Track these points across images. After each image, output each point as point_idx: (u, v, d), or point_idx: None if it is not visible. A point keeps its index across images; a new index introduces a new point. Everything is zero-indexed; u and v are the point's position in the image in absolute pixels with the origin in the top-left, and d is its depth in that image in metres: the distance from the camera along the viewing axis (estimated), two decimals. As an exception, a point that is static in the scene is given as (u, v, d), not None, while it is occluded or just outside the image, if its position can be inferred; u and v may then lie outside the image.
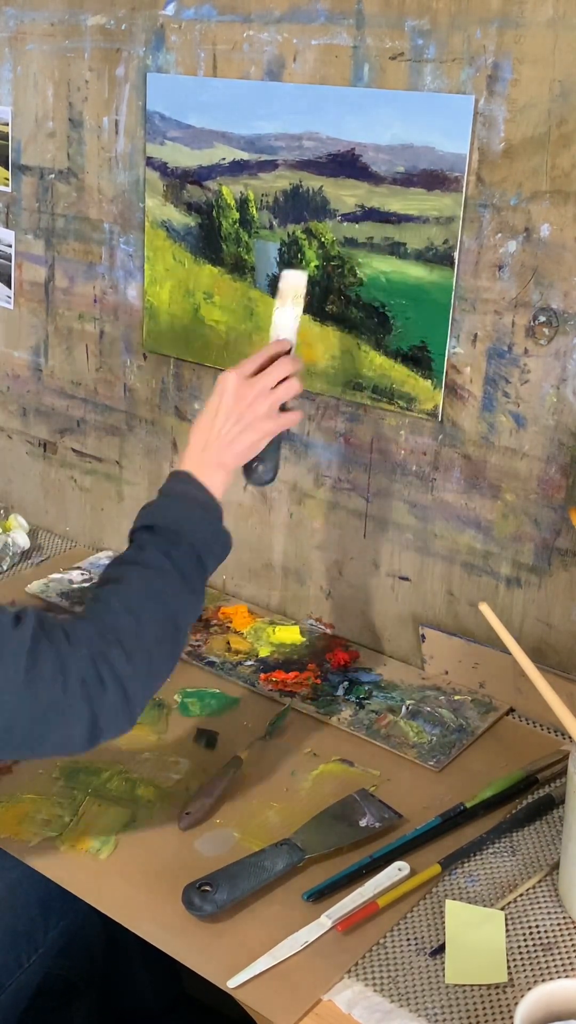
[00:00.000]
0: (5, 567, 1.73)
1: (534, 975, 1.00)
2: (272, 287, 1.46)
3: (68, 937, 1.27)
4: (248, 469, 1.25)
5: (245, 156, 1.44)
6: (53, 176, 1.68)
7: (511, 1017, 0.94)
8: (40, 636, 1.01)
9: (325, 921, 1.05)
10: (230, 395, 1.21)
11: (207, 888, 1.06)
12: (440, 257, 1.31)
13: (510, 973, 1.00)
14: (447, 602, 1.45)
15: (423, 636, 1.47)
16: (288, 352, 1.25)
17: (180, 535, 1.13)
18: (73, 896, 1.11)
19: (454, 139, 1.26)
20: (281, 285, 1.27)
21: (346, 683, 1.45)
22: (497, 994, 0.99)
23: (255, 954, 1.02)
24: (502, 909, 1.08)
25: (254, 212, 1.45)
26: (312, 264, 1.40)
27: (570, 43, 1.16)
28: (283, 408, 1.23)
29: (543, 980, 0.99)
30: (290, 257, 1.43)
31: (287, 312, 1.26)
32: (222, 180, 1.47)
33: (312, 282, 1.41)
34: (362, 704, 1.41)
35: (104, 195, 1.62)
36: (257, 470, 1.25)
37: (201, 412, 1.22)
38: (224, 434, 1.20)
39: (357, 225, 1.36)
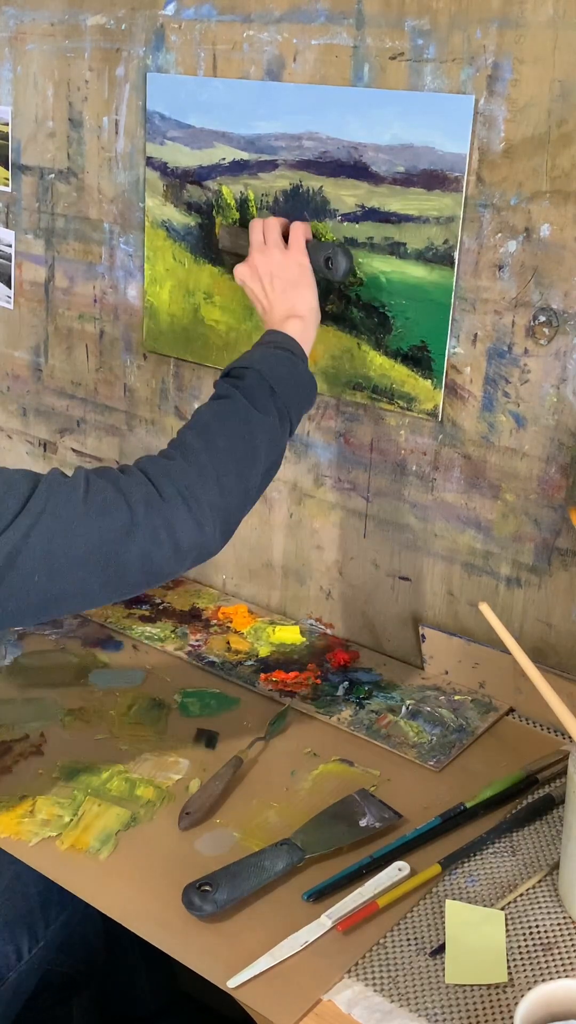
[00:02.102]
0: None
1: (534, 975, 1.00)
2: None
3: (68, 931, 1.27)
4: (327, 272, 1.34)
5: (245, 156, 1.44)
6: (53, 176, 1.68)
7: (511, 1017, 0.94)
8: (92, 476, 1.06)
9: (325, 921, 1.05)
10: (248, 276, 1.33)
11: (207, 888, 1.06)
12: (440, 257, 1.31)
13: (510, 973, 1.00)
14: (447, 602, 1.45)
15: (423, 636, 1.47)
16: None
17: (247, 369, 1.20)
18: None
19: (454, 139, 1.26)
20: (226, 245, 1.46)
21: (346, 683, 1.45)
22: (497, 994, 0.99)
23: (255, 954, 1.02)
24: (502, 909, 1.08)
25: (254, 212, 1.45)
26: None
27: (570, 43, 1.16)
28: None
29: (543, 980, 0.99)
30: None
31: (235, 237, 1.44)
32: (222, 180, 1.47)
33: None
34: (362, 704, 1.41)
35: (104, 195, 1.62)
36: (330, 266, 1.34)
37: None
38: (273, 294, 1.31)
39: (357, 225, 1.36)
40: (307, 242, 1.35)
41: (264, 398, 1.18)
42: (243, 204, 1.46)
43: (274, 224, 1.35)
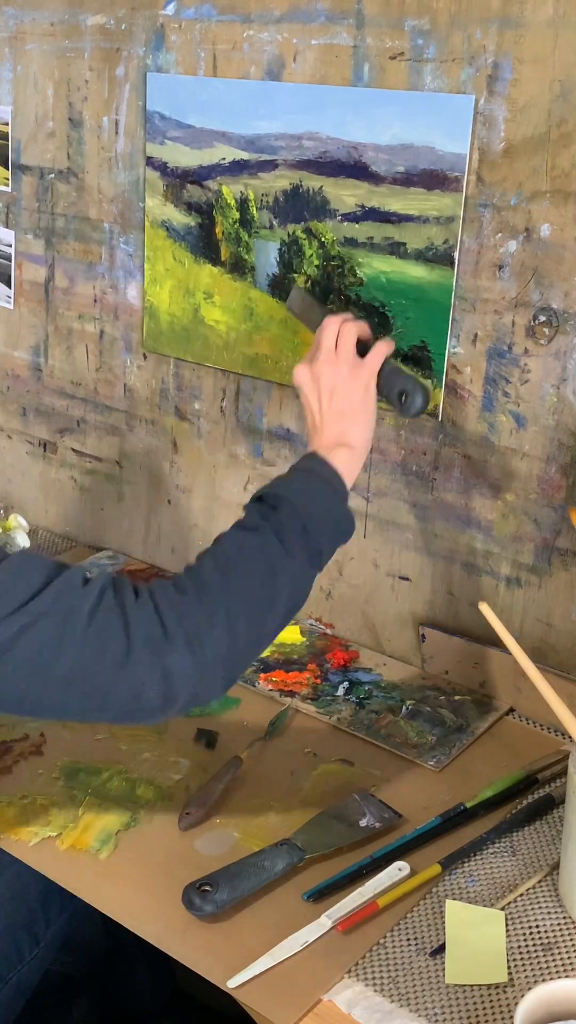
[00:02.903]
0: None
1: (534, 975, 1.00)
2: (272, 287, 1.46)
3: (69, 932, 1.27)
4: (400, 407, 1.22)
5: (245, 156, 1.44)
6: (53, 176, 1.68)
7: (511, 1017, 0.94)
8: (107, 592, 0.98)
9: (325, 921, 1.05)
10: (307, 383, 1.20)
11: (207, 888, 1.06)
12: (440, 257, 1.31)
13: (510, 973, 1.00)
14: (447, 602, 1.45)
15: (423, 636, 1.47)
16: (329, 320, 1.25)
17: (282, 500, 1.09)
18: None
19: (454, 139, 1.26)
20: (293, 311, 1.39)
21: (346, 683, 1.45)
22: (497, 994, 0.99)
23: (255, 954, 1.02)
24: (502, 909, 1.08)
25: (254, 212, 1.45)
26: (303, 274, 1.40)
27: (570, 43, 1.16)
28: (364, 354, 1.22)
29: (543, 980, 0.99)
30: (290, 257, 1.43)
31: (306, 309, 1.36)
32: (222, 180, 1.47)
33: (312, 282, 1.42)
34: (362, 704, 1.41)
35: (104, 195, 1.62)
36: (404, 400, 1.21)
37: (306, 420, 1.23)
38: (328, 413, 1.18)
39: (357, 225, 1.36)
40: (384, 364, 1.23)
41: (295, 537, 1.06)
42: (243, 204, 1.46)
43: (352, 331, 1.22)
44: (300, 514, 1.08)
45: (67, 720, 1.05)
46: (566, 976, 1.00)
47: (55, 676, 0.95)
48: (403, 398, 1.22)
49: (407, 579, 1.48)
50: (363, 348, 1.23)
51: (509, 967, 1.01)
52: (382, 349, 1.22)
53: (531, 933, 1.05)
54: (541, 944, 1.04)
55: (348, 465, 1.15)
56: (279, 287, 1.46)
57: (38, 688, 0.96)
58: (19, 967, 1.20)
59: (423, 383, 1.25)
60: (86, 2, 1.55)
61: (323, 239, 1.40)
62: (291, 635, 1.56)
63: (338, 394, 1.19)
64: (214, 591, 1.02)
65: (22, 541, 1.77)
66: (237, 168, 1.45)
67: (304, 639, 1.56)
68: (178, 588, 1.02)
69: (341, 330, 1.22)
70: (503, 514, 1.36)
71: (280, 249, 1.44)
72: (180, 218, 1.54)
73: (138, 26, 1.50)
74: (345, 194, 1.36)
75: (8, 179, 1.74)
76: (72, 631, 0.95)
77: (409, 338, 1.36)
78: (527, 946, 1.04)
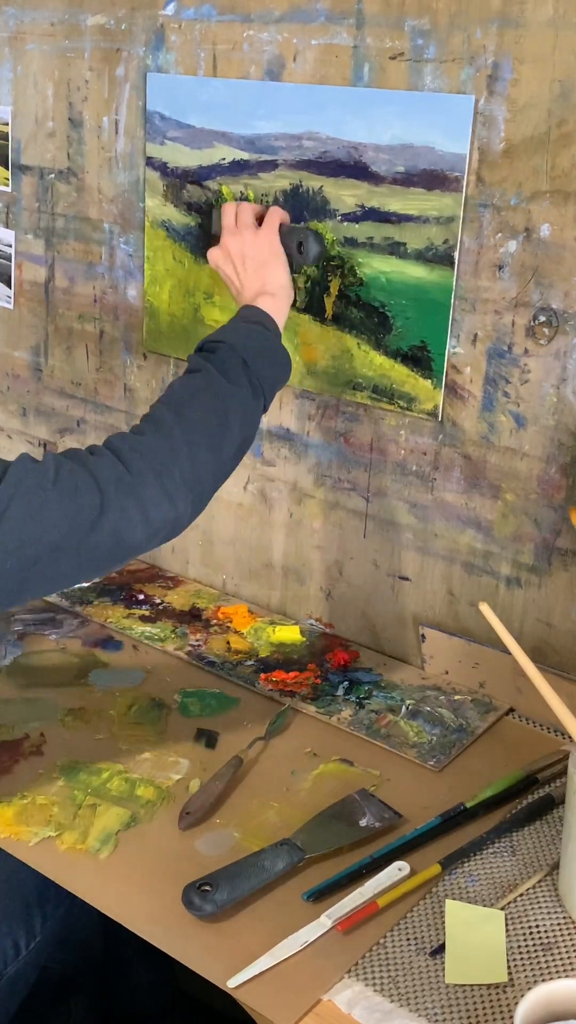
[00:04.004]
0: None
1: (534, 975, 1.00)
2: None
3: (66, 927, 1.27)
4: (299, 257, 1.36)
5: (245, 156, 1.44)
6: (53, 176, 1.68)
7: (511, 1017, 0.94)
8: (61, 459, 1.05)
9: (325, 921, 1.05)
10: (220, 259, 1.35)
11: (207, 888, 1.06)
12: (440, 257, 1.31)
13: (510, 973, 1.00)
14: (447, 602, 1.45)
15: (423, 636, 1.47)
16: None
17: (220, 343, 1.20)
18: None
19: (454, 139, 1.26)
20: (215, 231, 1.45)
21: (346, 683, 1.45)
22: (497, 994, 0.99)
23: (255, 954, 1.02)
24: (502, 909, 1.08)
25: (254, 212, 1.45)
26: (304, 274, 1.40)
27: (570, 43, 1.16)
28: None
29: (543, 980, 0.99)
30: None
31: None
32: (222, 180, 1.47)
33: (312, 282, 1.42)
34: (362, 704, 1.41)
35: (104, 195, 1.62)
36: (301, 250, 1.36)
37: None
38: (244, 275, 1.32)
39: (357, 225, 1.36)
40: (280, 226, 1.37)
41: (237, 371, 1.18)
42: (243, 204, 1.46)
43: (247, 207, 1.37)
44: (238, 350, 1.19)
45: (66, 587, 1.12)
46: (566, 976, 1.00)
47: (44, 547, 1.00)
48: (300, 248, 1.36)
49: (407, 579, 1.48)
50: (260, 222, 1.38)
51: (509, 967, 1.01)
52: (275, 212, 1.37)
53: (531, 933, 1.05)
54: (541, 944, 1.04)
55: (274, 308, 1.29)
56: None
57: (33, 566, 1.00)
58: (15, 961, 1.20)
59: (317, 232, 1.38)
60: (86, 2, 1.55)
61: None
62: (291, 635, 1.56)
63: (248, 256, 1.33)
64: (171, 426, 1.11)
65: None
66: (237, 168, 1.45)
67: (304, 639, 1.56)
68: (135, 431, 1.12)
69: (238, 209, 1.36)
70: (503, 514, 1.36)
71: (280, 249, 1.44)
72: (180, 218, 1.54)
73: (138, 26, 1.50)
74: (345, 194, 1.36)
75: (8, 179, 1.74)
76: (43, 500, 1.00)
77: (409, 338, 1.36)
78: (527, 946, 1.04)
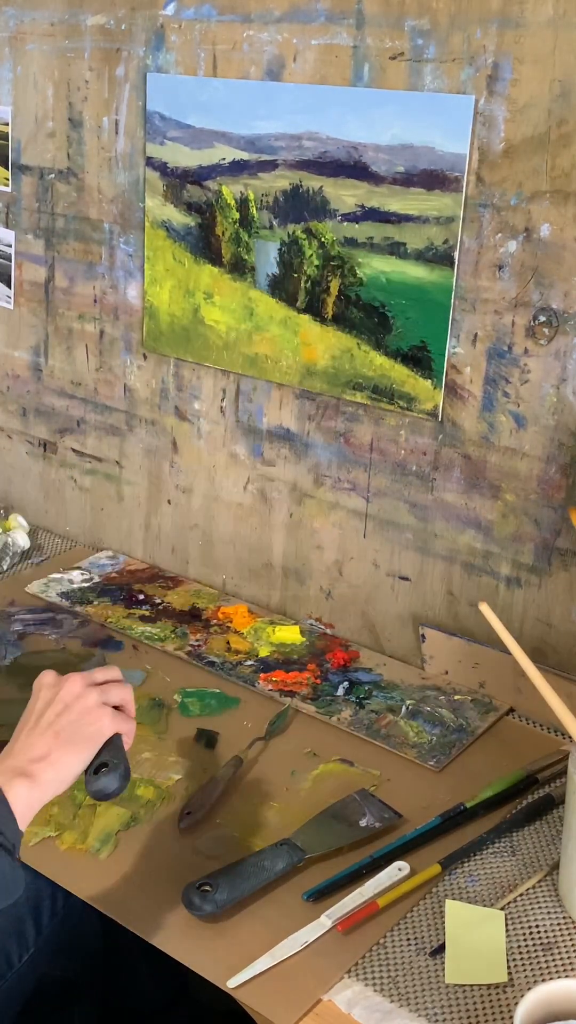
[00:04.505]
0: (5, 567, 1.73)
1: (534, 975, 1.00)
2: (272, 287, 1.46)
3: (64, 937, 1.26)
4: (90, 776, 1.01)
5: (245, 156, 1.44)
6: (53, 176, 1.68)
7: (511, 1017, 0.94)
8: None
9: (325, 921, 1.05)
10: (49, 685, 1.06)
11: (207, 888, 1.06)
12: (440, 257, 1.31)
13: (510, 973, 1.00)
14: (447, 602, 1.45)
15: (423, 636, 1.47)
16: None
17: None
18: (67, 895, 1.11)
19: (454, 139, 1.26)
20: None
21: (346, 683, 1.45)
22: (497, 994, 0.99)
23: (255, 954, 1.02)
24: (502, 909, 1.08)
25: (254, 212, 1.45)
26: (304, 274, 1.40)
27: (570, 43, 1.16)
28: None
29: (543, 980, 0.99)
30: (290, 257, 1.43)
31: None
32: (222, 180, 1.47)
33: (312, 282, 1.42)
34: (362, 704, 1.41)
35: (104, 195, 1.62)
36: (100, 778, 1.00)
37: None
38: (46, 722, 1.02)
39: (357, 225, 1.36)
40: (115, 737, 1.04)
41: None
42: (243, 204, 1.46)
43: (120, 689, 1.07)
44: None
45: None
46: (566, 976, 1.00)
47: None
48: (101, 768, 1.01)
49: (407, 579, 1.48)
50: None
51: (509, 967, 1.01)
52: (131, 726, 1.07)
53: (531, 933, 1.05)
54: (541, 944, 1.04)
55: (28, 798, 0.96)
56: (279, 287, 1.46)
57: None
58: (8, 974, 1.20)
59: (128, 769, 1.03)
60: (86, 2, 1.55)
61: (323, 239, 1.40)
62: (291, 635, 1.56)
63: (71, 714, 1.02)
64: None
65: (22, 541, 1.77)
66: (237, 168, 1.45)
67: (304, 639, 1.56)
68: None
69: (111, 672, 1.09)
70: (503, 514, 1.36)
71: (280, 249, 1.44)
72: (180, 218, 1.54)
73: (138, 26, 1.50)
74: (345, 194, 1.36)
75: (8, 179, 1.74)
76: None
77: (409, 338, 1.36)
78: (527, 946, 1.04)
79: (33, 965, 1.23)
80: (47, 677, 1.07)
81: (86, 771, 1.01)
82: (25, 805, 0.96)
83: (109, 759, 1.01)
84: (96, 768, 1.01)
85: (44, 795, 0.97)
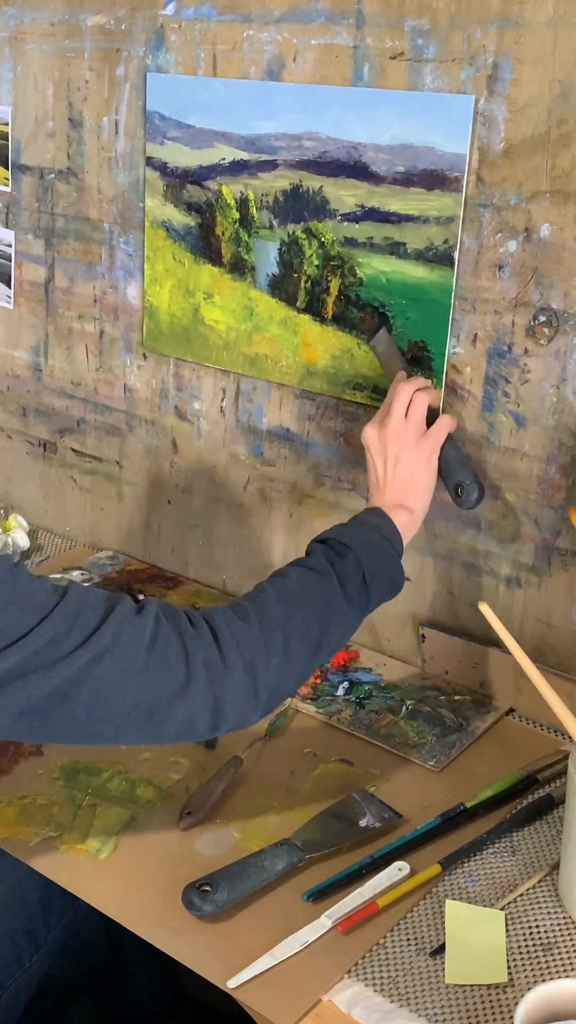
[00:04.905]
0: None
1: (534, 975, 1.00)
2: (272, 287, 1.46)
3: (69, 936, 1.27)
4: (455, 499, 1.30)
5: (245, 156, 1.44)
6: (53, 176, 1.68)
7: (511, 1017, 0.94)
8: (162, 620, 1.01)
9: (325, 921, 1.05)
10: (375, 444, 1.26)
11: (207, 888, 1.06)
12: (440, 257, 1.31)
13: (510, 973, 1.00)
14: (447, 602, 1.45)
15: (423, 636, 1.47)
16: (406, 378, 1.31)
17: (349, 549, 1.15)
18: (74, 895, 1.11)
19: (454, 139, 1.26)
20: (376, 351, 1.37)
21: (346, 683, 1.45)
22: (497, 994, 0.99)
23: (255, 954, 1.02)
24: (502, 909, 1.08)
25: (254, 212, 1.45)
26: (304, 274, 1.40)
27: (570, 43, 1.16)
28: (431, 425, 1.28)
29: (543, 980, 0.99)
30: (290, 257, 1.43)
31: (389, 354, 1.35)
32: (222, 180, 1.47)
33: (312, 282, 1.42)
34: (362, 704, 1.41)
35: (104, 195, 1.62)
36: (460, 493, 1.29)
37: (367, 475, 1.29)
38: (392, 478, 1.25)
39: (357, 225, 1.36)
40: (448, 441, 1.29)
41: (355, 587, 1.13)
42: (243, 204, 1.46)
43: (423, 401, 1.27)
44: (362, 565, 1.14)
45: (123, 744, 1.10)
46: (566, 976, 1.00)
47: (116, 710, 0.97)
48: (459, 491, 1.29)
49: (407, 579, 1.47)
50: (430, 415, 1.29)
51: (509, 967, 1.01)
52: (446, 423, 1.29)
53: (531, 933, 1.05)
54: (541, 944, 1.04)
55: (407, 527, 1.23)
56: (279, 287, 1.46)
57: (98, 723, 0.98)
58: (19, 973, 1.20)
59: (478, 478, 1.30)
60: (86, 2, 1.55)
61: (323, 239, 1.40)
62: (291, 635, 1.56)
63: (403, 462, 1.25)
64: (276, 623, 1.06)
65: (22, 541, 1.77)
66: (237, 168, 1.46)
67: (304, 639, 1.56)
68: (240, 615, 1.06)
69: (414, 398, 1.27)
70: (503, 514, 1.36)
71: (280, 249, 1.44)
72: (180, 218, 1.54)
73: (138, 26, 1.50)
74: (345, 194, 1.36)
75: (8, 179, 1.74)
76: (133, 665, 0.97)
77: (409, 338, 1.36)
78: (527, 946, 1.04)
79: (41, 965, 1.23)
80: (369, 435, 1.27)
81: (447, 489, 1.30)
82: (405, 528, 1.23)
83: (461, 479, 1.29)
84: (456, 488, 1.29)
85: (416, 520, 1.25)
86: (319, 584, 1.11)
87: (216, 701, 1.01)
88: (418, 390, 1.28)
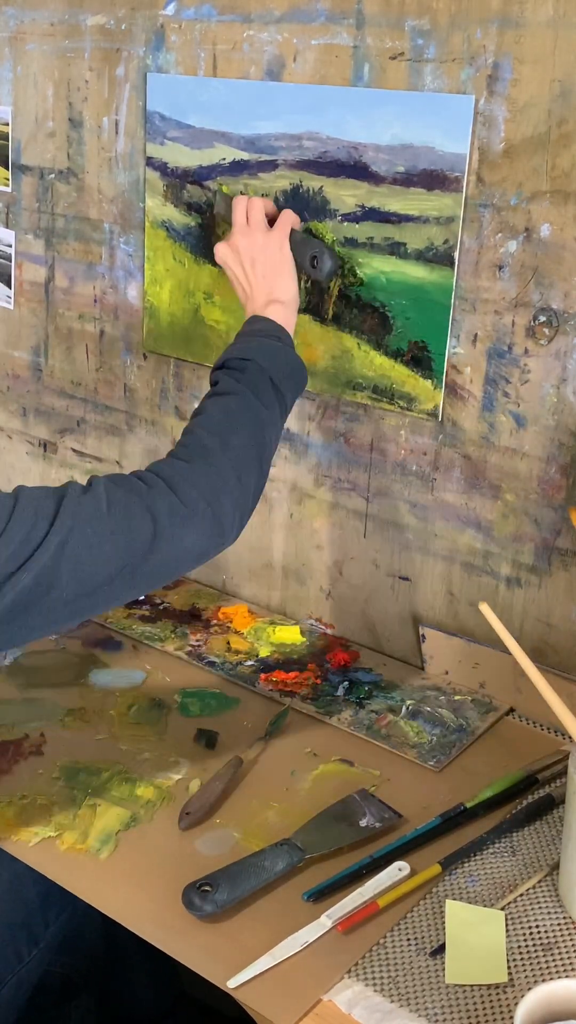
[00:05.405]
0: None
1: (534, 975, 1.00)
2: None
3: (68, 932, 1.27)
4: (313, 271, 1.35)
5: (245, 156, 1.44)
6: (53, 176, 1.68)
7: (511, 1017, 0.94)
8: (112, 488, 1.05)
9: (325, 921, 1.05)
10: (229, 255, 1.33)
11: (207, 888, 1.06)
12: (440, 257, 1.31)
13: (510, 973, 1.00)
14: (447, 602, 1.45)
15: (423, 636, 1.47)
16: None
17: (247, 361, 1.21)
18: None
19: (454, 139, 1.26)
20: (220, 211, 1.45)
21: (346, 683, 1.45)
22: (497, 994, 0.99)
23: (255, 954, 1.02)
24: (502, 909, 1.08)
25: (254, 212, 1.45)
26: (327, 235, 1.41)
27: (570, 43, 1.16)
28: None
29: (543, 980, 0.99)
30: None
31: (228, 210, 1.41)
32: (222, 180, 1.47)
33: (312, 282, 1.42)
34: (362, 704, 1.41)
35: (104, 195, 1.62)
36: (315, 264, 1.34)
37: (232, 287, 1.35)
38: (254, 278, 1.31)
39: (357, 225, 1.36)
40: (292, 232, 1.35)
41: (268, 392, 1.19)
42: (243, 204, 1.46)
43: (259, 205, 1.35)
44: (265, 370, 1.20)
45: (117, 606, 1.16)
46: (566, 976, 1.00)
47: (100, 577, 1.02)
48: (314, 262, 1.34)
49: (407, 579, 1.48)
50: (271, 222, 1.36)
51: (509, 967, 1.01)
52: (288, 215, 1.35)
53: (531, 933, 1.05)
54: (541, 944, 1.04)
55: (285, 318, 1.28)
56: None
57: (88, 595, 1.02)
58: (18, 968, 1.20)
59: (332, 248, 1.36)
60: (86, 2, 1.55)
61: (323, 239, 1.40)
62: (291, 635, 1.56)
63: (258, 260, 1.31)
64: (216, 453, 1.12)
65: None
66: (237, 168, 1.45)
67: (304, 639, 1.56)
68: (182, 459, 1.12)
69: (249, 205, 1.34)
70: (503, 514, 1.36)
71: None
72: (180, 218, 1.54)
73: (138, 26, 1.50)
74: (345, 194, 1.36)
75: (8, 179, 1.74)
76: (100, 533, 1.01)
77: (409, 338, 1.36)
78: (527, 946, 1.04)
79: (40, 961, 1.23)
80: (220, 250, 1.34)
81: (306, 270, 1.35)
82: (284, 319, 1.28)
83: (313, 251, 1.34)
84: (311, 261, 1.34)
85: (291, 308, 1.30)
86: (237, 403, 1.17)
87: (190, 536, 1.06)
88: (251, 199, 1.35)
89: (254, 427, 1.16)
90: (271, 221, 1.36)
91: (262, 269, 1.31)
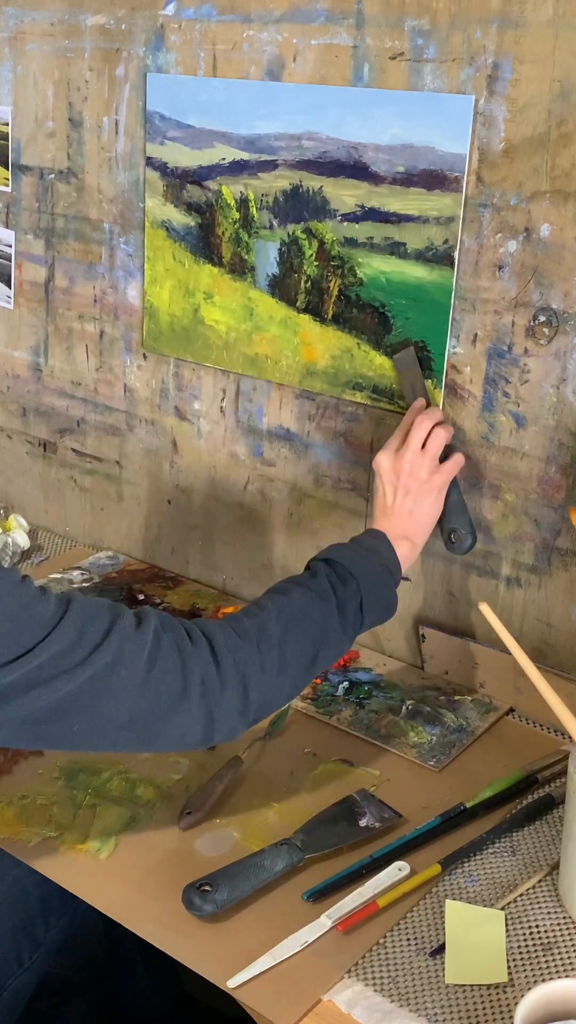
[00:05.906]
0: (5, 567, 1.73)
1: (534, 975, 1.00)
2: (272, 287, 1.46)
3: (68, 935, 1.27)
4: (448, 543, 1.35)
5: (245, 156, 1.44)
6: (53, 176, 1.68)
7: (511, 1017, 0.94)
8: (161, 635, 1.02)
9: (325, 921, 1.05)
10: (388, 473, 1.28)
11: (207, 888, 1.06)
12: (440, 257, 1.31)
13: (510, 973, 1.00)
14: (447, 602, 1.45)
15: (423, 636, 1.47)
16: (426, 408, 1.33)
17: (353, 576, 1.17)
18: (73, 893, 1.11)
19: (454, 139, 1.26)
20: (398, 368, 1.36)
21: (346, 683, 1.45)
22: (497, 994, 0.99)
23: (255, 954, 1.02)
24: (502, 909, 1.08)
25: (254, 212, 1.45)
26: (304, 273, 1.40)
27: (570, 43, 1.16)
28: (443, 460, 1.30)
29: (543, 980, 0.99)
30: (290, 257, 1.43)
31: (410, 373, 1.35)
32: (222, 180, 1.47)
33: (312, 282, 1.42)
34: (362, 704, 1.41)
35: (104, 195, 1.62)
36: (453, 539, 1.34)
37: (374, 498, 1.32)
38: (399, 507, 1.27)
39: (357, 225, 1.36)
40: (453, 481, 1.32)
41: (351, 615, 1.15)
42: (243, 204, 1.46)
43: (442, 438, 1.29)
44: (362, 594, 1.16)
45: (114, 752, 1.14)
46: (566, 976, 1.00)
47: (112, 724, 0.99)
48: (453, 536, 1.34)
49: (407, 579, 1.47)
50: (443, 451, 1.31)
51: (509, 967, 1.01)
52: (458, 461, 1.31)
53: (531, 933, 1.05)
54: (541, 944, 1.04)
55: (407, 558, 1.25)
56: (279, 287, 1.46)
57: (94, 735, 1.00)
58: (18, 972, 1.20)
59: (473, 526, 1.35)
60: (86, 2, 1.55)
61: (323, 239, 1.40)
62: (291, 635, 1.56)
63: (412, 494, 1.27)
64: (274, 643, 1.08)
65: (22, 541, 1.77)
66: (237, 168, 1.46)
67: (304, 639, 1.56)
68: (239, 632, 1.08)
69: (434, 432, 1.29)
70: (503, 514, 1.36)
71: (280, 249, 1.44)
72: (180, 218, 1.54)
73: (138, 26, 1.51)
74: (345, 194, 1.36)
75: (8, 179, 1.74)
76: (133, 681, 0.99)
77: (409, 337, 1.36)
78: (527, 946, 1.04)
79: (40, 963, 1.23)
80: (383, 462, 1.29)
81: (440, 532, 1.34)
82: (405, 559, 1.24)
83: (455, 524, 1.33)
84: (449, 533, 1.34)
85: (416, 552, 1.27)
86: (319, 609, 1.13)
87: (209, 716, 1.03)
88: (437, 424, 1.29)
89: (320, 638, 1.12)
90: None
91: (412, 505, 1.27)
